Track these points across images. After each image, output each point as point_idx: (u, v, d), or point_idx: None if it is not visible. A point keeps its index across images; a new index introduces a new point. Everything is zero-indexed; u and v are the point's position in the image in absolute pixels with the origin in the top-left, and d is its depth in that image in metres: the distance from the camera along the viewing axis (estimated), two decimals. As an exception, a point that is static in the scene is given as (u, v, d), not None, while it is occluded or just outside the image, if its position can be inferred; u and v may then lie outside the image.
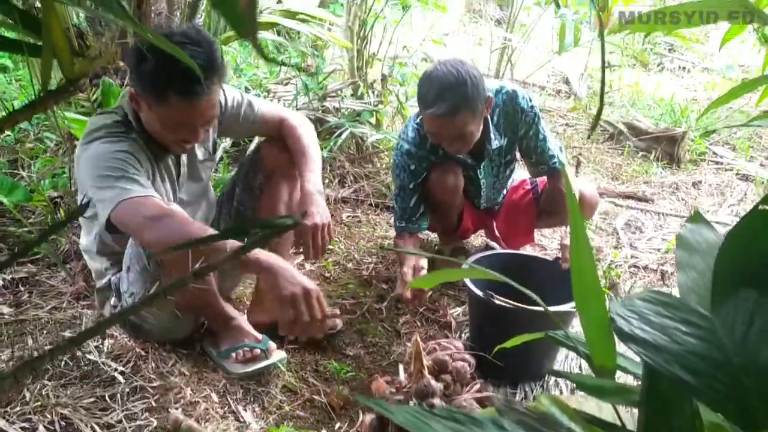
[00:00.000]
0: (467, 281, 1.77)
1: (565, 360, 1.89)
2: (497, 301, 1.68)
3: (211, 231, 1.55)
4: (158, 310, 1.70)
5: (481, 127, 1.95)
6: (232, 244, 1.32)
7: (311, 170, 1.76)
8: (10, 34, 1.08)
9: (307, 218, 1.65)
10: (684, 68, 5.94)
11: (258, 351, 1.77)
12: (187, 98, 1.48)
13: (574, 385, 1.85)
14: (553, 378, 1.82)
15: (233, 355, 1.77)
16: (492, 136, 2.06)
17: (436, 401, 1.41)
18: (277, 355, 1.78)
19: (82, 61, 0.76)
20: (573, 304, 1.66)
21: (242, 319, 1.85)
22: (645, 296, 0.82)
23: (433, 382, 1.44)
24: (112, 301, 1.77)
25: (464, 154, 2.07)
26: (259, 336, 1.81)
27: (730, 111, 4.51)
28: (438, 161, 2.08)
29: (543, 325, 1.75)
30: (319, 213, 1.68)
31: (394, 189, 2.18)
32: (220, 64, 1.51)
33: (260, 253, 1.47)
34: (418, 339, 1.47)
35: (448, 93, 1.81)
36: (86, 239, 1.81)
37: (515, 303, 1.66)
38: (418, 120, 2.06)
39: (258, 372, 1.75)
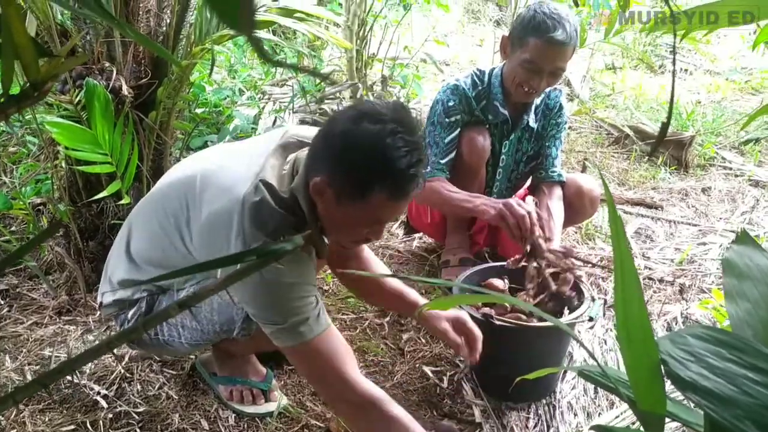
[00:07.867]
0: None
1: (575, 379, 1.79)
2: (497, 322, 1.58)
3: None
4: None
5: None
6: None
7: None
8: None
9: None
10: (686, 70, 5.85)
11: (259, 392, 1.63)
12: (394, 200, 1.22)
13: (584, 404, 1.74)
14: (562, 397, 1.71)
15: (231, 389, 1.63)
16: (532, 112, 2.11)
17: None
18: (272, 402, 1.62)
19: (50, 61, 0.66)
20: (573, 315, 1.58)
21: None
22: (698, 333, 0.71)
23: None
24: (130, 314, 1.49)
25: (505, 113, 2.06)
26: (263, 371, 1.68)
27: (738, 115, 4.42)
28: (474, 116, 2.08)
29: (545, 341, 1.65)
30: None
31: (426, 126, 2.10)
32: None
33: None
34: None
35: (566, 22, 1.85)
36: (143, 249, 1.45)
37: (515, 321, 1.58)
38: (477, 71, 2.11)
39: (254, 416, 1.59)
